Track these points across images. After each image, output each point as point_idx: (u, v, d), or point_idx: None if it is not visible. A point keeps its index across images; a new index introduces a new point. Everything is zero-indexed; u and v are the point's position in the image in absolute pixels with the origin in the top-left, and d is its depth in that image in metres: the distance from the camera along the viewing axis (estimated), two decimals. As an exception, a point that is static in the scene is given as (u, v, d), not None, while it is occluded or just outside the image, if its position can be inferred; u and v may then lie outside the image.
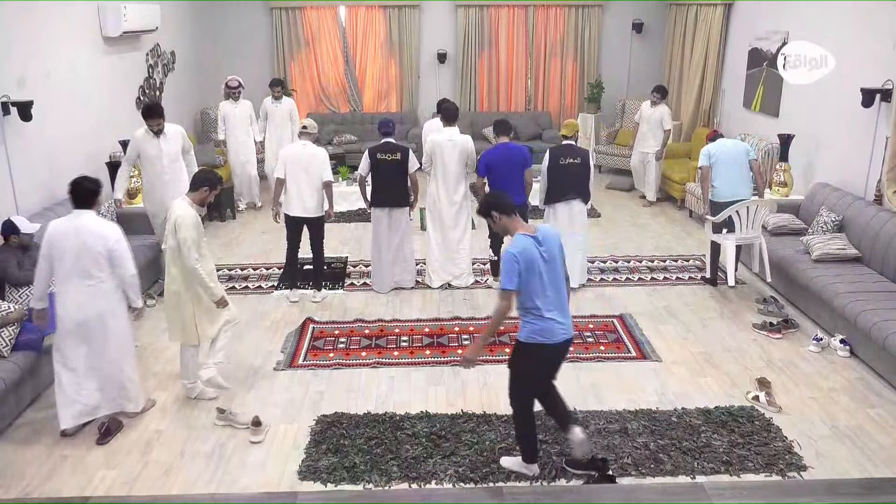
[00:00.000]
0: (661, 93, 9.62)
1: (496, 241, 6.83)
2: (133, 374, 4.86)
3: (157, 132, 6.65)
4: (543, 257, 3.96)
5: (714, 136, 7.05)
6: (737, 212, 6.48)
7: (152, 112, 6.65)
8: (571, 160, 6.65)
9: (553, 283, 4.01)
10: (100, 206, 4.84)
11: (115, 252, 4.53)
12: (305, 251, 6.86)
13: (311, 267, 6.91)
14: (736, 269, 6.71)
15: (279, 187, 6.61)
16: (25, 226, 5.41)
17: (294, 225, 6.69)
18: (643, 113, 9.79)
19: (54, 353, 4.68)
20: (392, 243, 6.88)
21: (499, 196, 4.27)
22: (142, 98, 8.89)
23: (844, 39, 7.08)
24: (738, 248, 6.77)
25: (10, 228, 5.36)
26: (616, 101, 11.92)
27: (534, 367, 4.14)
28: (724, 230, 6.70)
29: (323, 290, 6.94)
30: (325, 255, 7.06)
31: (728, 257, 6.65)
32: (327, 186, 6.58)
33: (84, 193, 4.59)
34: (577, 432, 4.15)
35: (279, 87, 9.53)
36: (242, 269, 7.53)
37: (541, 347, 4.01)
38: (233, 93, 9.15)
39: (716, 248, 6.97)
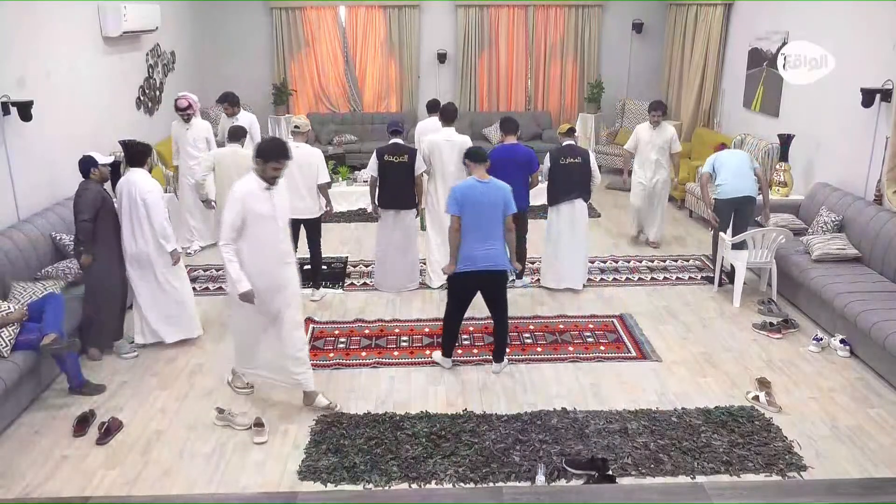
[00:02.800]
0: (661, 109, 7.93)
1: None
2: (188, 302, 5.86)
3: (275, 181, 4.69)
4: (481, 199, 5.12)
5: (721, 149, 7.20)
6: (752, 237, 6.51)
7: (281, 152, 4.60)
8: (572, 160, 6.68)
9: (487, 221, 5.12)
10: (149, 165, 5.81)
11: (146, 201, 5.45)
12: (303, 252, 6.86)
13: (309, 266, 6.91)
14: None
15: None
16: (101, 158, 5.67)
17: (291, 227, 6.67)
18: (642, 137, 7.96)
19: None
20: (398, 245, 6.88)
21: (475, 149, 5.43)
22: (142, 98, 8.87)
23: (844, 39, 7.08)
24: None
25: (91, 163, 5.54)
26: (616, 101, 11.93)
27: (453, 284, 5.35)
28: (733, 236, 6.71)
29: (322, 289, 6.94)
30: (325, 255, 7.05)
31: (737, 279, 6.65)
32: (323, 189, 6.58)
33: (135, 154, 5.62)
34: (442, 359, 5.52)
35: (227, 102, 8.18)
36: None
37: (457, 273, 5.19)
38: (182, 115, 7.85)
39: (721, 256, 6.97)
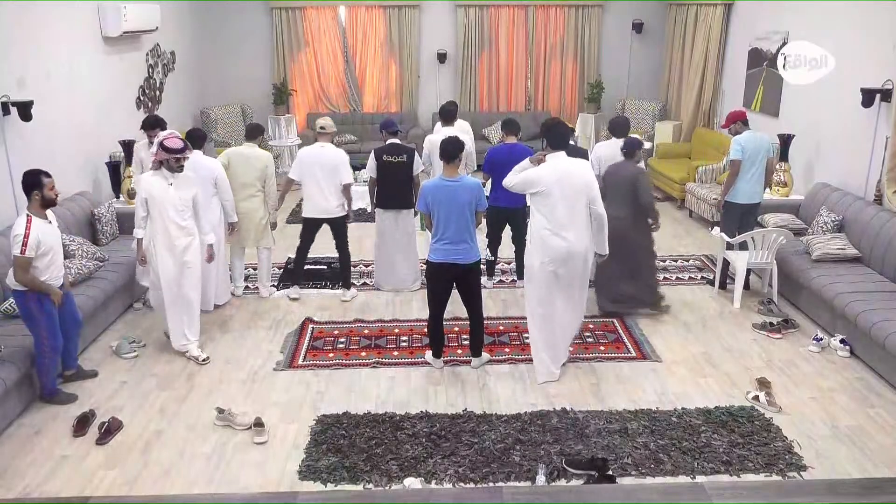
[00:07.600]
0: (628, 147, 6.19)
1: (493, 241, 6.86)
2: (223, 275, 6.57)
3: None
4: (450, 195, 5.16)
5: (740, 119, 6.66)
6: (752, 238, 6.48)
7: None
8: None
9: (455, 218, 5.17)
10: (207, 147, 6.51)
11: (218, 179, 6.19)
12: (320, 251, 6.88)
13: (338, 267, 6.97)
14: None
15: (287, 186, 6.62)
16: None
17: (311, 226, 6.71)
18: (603, 158, 6.58)
19: None
20: (398, 244, 6.88)
21: (452, 143, 5.25)
22: (142, 98, 8.87)
23: (844, 39, 7.08)
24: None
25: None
26: (616, 102, 11.92)
27: (428, 280, 5.49)
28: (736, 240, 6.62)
29: (353, 289, 6.95)
30: (326, 256, 7.04)
31: (737, 280, 6.60)
32: (346, 189, 6.60)
33: (195, 139, 6.29)
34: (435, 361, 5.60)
35: (158, 127, 6.32)
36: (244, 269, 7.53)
37: (429, 264, 5.36)
38: (171, 158, 5.36)
39: (725, 261, 6.92)
